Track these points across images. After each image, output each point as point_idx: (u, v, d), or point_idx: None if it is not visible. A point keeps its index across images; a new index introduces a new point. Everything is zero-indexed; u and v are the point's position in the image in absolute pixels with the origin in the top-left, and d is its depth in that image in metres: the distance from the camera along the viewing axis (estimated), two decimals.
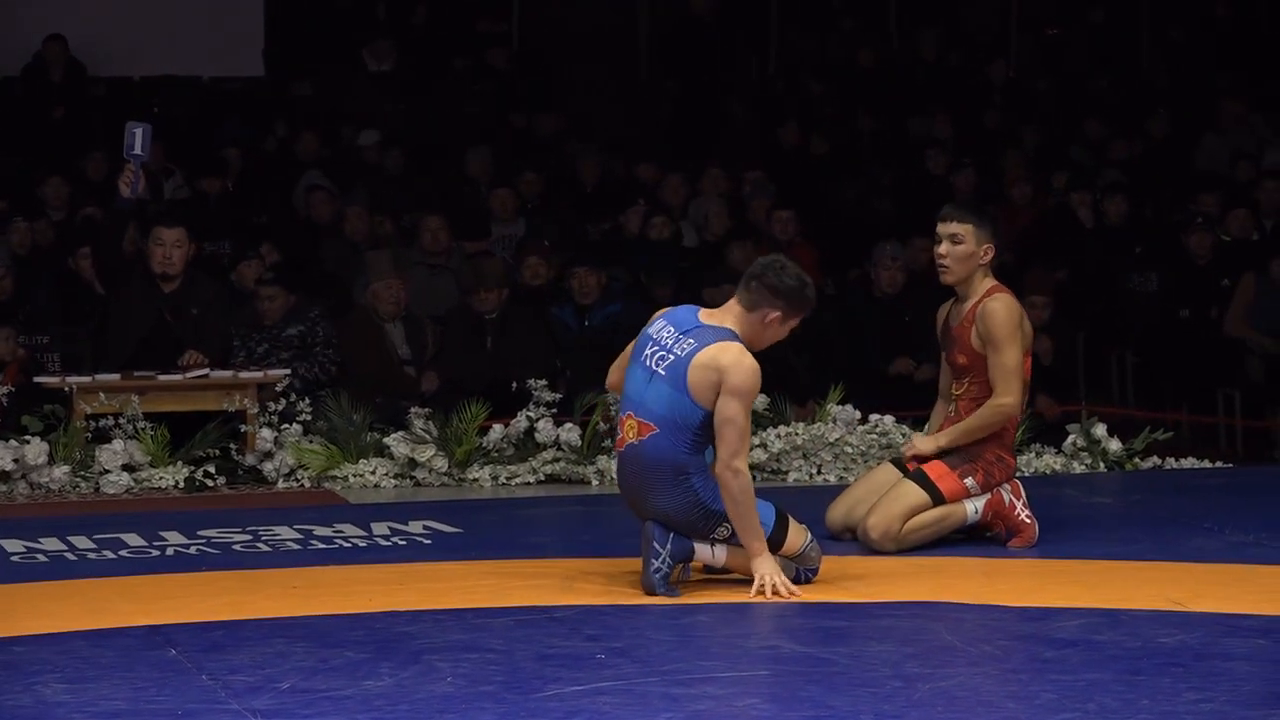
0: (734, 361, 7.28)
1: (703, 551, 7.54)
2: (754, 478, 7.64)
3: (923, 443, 8.47)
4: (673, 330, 7.45)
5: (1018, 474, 9.09)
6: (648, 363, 7.43)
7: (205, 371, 10.86)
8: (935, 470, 8.36)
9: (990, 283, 8.38)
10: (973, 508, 8.41)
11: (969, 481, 8.34)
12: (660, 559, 7.39)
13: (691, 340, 7.36)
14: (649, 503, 7.43)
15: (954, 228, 8.35)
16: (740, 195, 15.17)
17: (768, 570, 7.36)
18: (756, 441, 10.66)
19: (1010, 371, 8.26)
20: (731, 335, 7.36)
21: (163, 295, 11.10)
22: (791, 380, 11.67)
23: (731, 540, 7.47)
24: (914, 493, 8.33)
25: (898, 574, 7.91)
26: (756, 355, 7.37)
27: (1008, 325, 8.26)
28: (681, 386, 7.30)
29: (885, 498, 8.35)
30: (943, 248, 8.35)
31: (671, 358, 7.36)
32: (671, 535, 7.39)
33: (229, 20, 16.46)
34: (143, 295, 11.10)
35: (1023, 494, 8.51)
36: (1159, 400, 13.30)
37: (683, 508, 7.39)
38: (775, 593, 7.30)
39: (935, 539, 8.41)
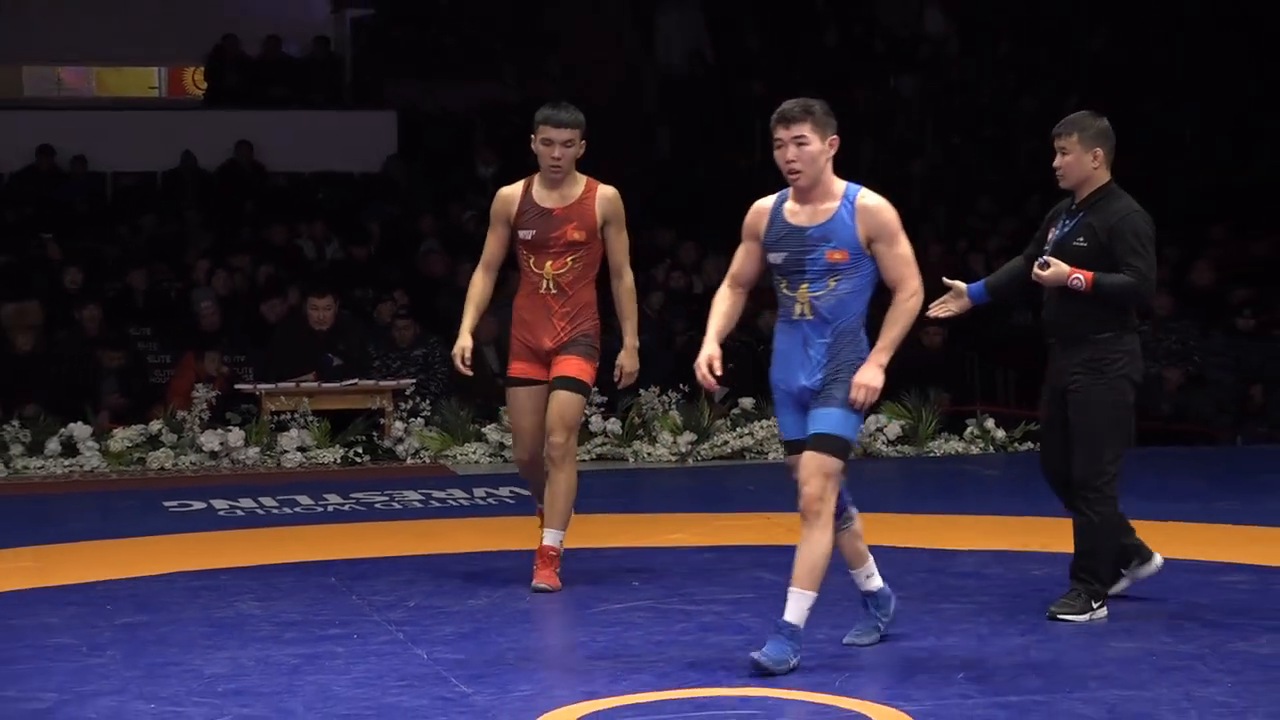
0: None
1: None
2: (743, 456, 7.52)
3: (628, 361, 6.79)
4: None
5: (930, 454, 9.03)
6: None
7: (355, 381, 10.90)
8: (573, 367, 6.62)
9: (578, 179, 6.83)
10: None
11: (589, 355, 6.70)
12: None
13: None
14: None
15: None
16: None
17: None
18: (745, 430, 10.65)
19: (626, 246, 6.90)
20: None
21: (318, 339, 11.16)
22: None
23: None
24: (571, 399, 6.55)
25: None
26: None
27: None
28: None
29: (555, 413, 6.52)
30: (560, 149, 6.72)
31: None
32: None
33: (372, 129, 16.56)
34: (303, 338, 11.15)
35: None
36: (1033, 401, 13.22)
37: None
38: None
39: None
